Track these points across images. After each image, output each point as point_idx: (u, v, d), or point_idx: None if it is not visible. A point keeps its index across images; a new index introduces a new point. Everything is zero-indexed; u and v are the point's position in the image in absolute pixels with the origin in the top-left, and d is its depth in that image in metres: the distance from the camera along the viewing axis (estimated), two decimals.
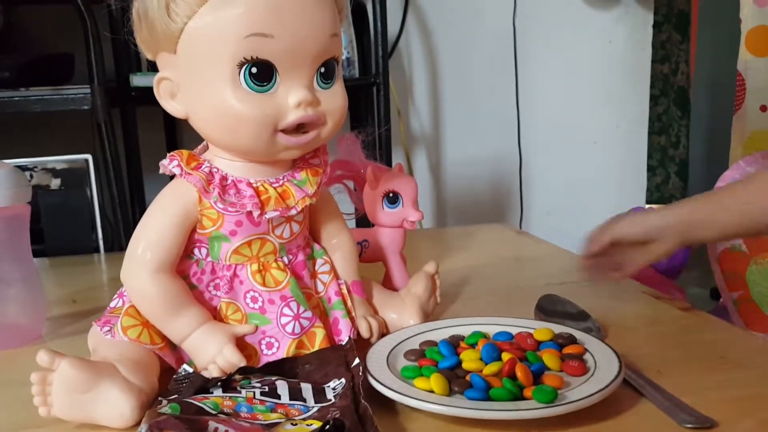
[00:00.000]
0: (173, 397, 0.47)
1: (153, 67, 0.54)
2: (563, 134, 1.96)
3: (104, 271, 0.97)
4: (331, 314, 0.58)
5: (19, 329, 0.66)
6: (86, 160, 1.10)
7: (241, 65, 0.49)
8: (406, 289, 0.65)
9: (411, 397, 0.47)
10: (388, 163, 1.43)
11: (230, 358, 0.51)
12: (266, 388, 0.48)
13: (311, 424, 0.43)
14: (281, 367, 0.53)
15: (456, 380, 0.49)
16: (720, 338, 0.62)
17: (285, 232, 0.56)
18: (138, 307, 0.53)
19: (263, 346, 0.54)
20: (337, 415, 0.44)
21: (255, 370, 0.52)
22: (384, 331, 0.61)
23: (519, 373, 0.48)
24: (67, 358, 0.46)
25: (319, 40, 0.51)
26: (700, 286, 1.78)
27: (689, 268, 1.70)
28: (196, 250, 0.55)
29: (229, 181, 0.53)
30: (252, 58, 0.49)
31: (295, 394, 0.48)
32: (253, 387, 0.48)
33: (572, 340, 0.55)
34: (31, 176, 1.10)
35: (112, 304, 0.57)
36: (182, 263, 0.55)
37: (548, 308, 0.66)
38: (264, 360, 0.54)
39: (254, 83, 0.49)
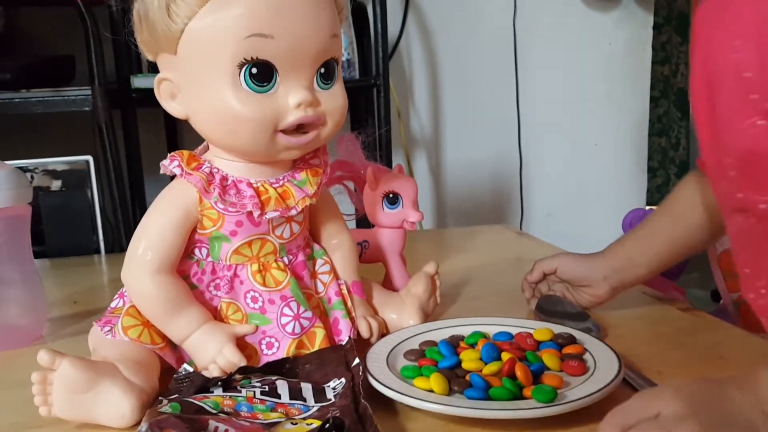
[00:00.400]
0: (174, 396, 0.47)
1: (153, 69, 0.54)
2: (563, 136, 1.96)
3: (105, 272, 0.97)
4: (331, 314, 0.59)
5: (20, 330, 0.67)
6: (87, 162, 1.11)
7: (241, 66, 0.49)
8: (406, 290, 0.65)
9: (411, 397, 0.47)
10: (388, 165, 1.43)
11: (230, 358, 0.52)
12: (266, 388, 0.48)
13: (311, 424, 0.43)
14: (281, 367, 0.53)
15: (456, 380, 0.49)
16: (719, 339, 0.62)
17: (285, 232, 0.56)
18: (139, 307, 0.53)
19: (263, 346, 0.54)
20: (337, 414, 0.44)
21: (255, 369, 0.52)
22: (384, 332, 0.61)
23: (519, 373, 0.49)
24: (68, 358, 0.46)
25: (319, 41, 0.51)
26: (700, 288, 1.78)
27: (690, 269, 1.70)
28: (196, 251, 0.55)
29: (229, 182, 0.53)
30: (252, 58, 0.49)
31: (295, 394, 0.48)
32: (254, 386, 0.48)
33: (572, 340, 0.55)
34: (32, 178, 1.10)
35: (112, 305, 0.58)
36: (183, 263, 0.55)
37: (548, 308, 0.67)
38: (264, 360, 0.54)
39: (254, 84, 0.50)
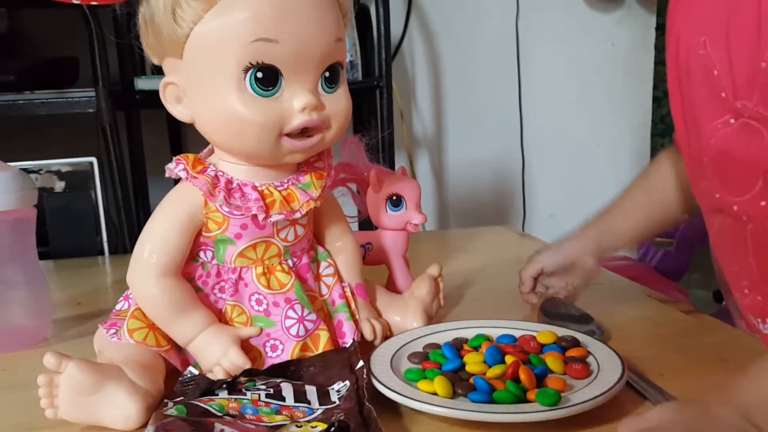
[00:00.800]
0: (179, 399, 0.47)
1: (157, 71, 0.55)
2: (566, 137, 1.96)
3: (109, 274, 0.97)
4: (335, 317, 0.59)
5: (25, 331, 0.67)
6: (91, 163, 1.11)
7: (246, 70, 0.49)
8: (409, 292, 0.65)
9: (415, 400, 0.47)
10: (391, 166, 1.43)
11: (235, 361, 0.52)
12: (271, 390, 0.48)
13: (316, 426, 0.44)
14: (286, 370, 0.53)
15: (459, 383, 0.49)
16: (722, 341, 0.62)
17: (289, 235, 0.56)
18: (144, 309, 0.54)
19: (268, 349, 0.54)
20: (341, 418, 0.44)
21: (260, 372, 0.52)
22: (387, 334, 0.61)
23: (522, 376, 0.49)
24: (74, 361, 0.46)
25: (323, 45, 0.51)
26: (703, 288, 1.78)
27: (692, 270, 1.70)
28: (201, 253, 0.56)
29: (234, 185, 0.54)
30: (257, 62, 0.49)
31: (300, 397, 0.48)
32: (258, 389, 0.49)
33: (575, 342, 0.55)
34: (36, 179, 1.10)
35: (117, 307, 0.58)
36: (188, 266, 0.55)
37: (551, 311, 0.67)
38: (269, 362, 0.54)
39: (259, 88, 0.50)
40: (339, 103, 0.54)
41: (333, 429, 0.41)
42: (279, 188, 0.55)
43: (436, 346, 0.56)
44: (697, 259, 1.64)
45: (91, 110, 1.24)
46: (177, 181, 0.55)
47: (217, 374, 0.51)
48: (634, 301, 0.74)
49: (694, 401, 0.44)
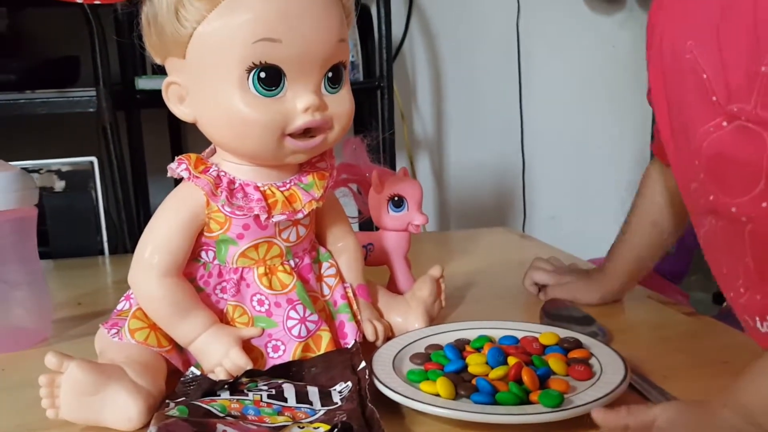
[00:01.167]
0: (181, 399, 0.47)
1: (158, 70, 0.55)
2: (567, 138, 1.96)
3: (109, 274, 0.97)
4: (337, 317, 0.59)
5: (26, 331, 0.67)
6: (91, 163, 1.11)
7: (249, 70, 0.49)
8: (411, 293, 0.65)
9: (417, 401, 0.47)
10: (392, 167, 1.43)
11: (237, 361, 0.52)
12: (273, 391, 0.48)
13: (318, 427, 0.43)
14: (287, 370, 0.53)
15: (462, 384, 0.49)
16: (724, 343, 0.62)
17: (291, 235, 0.56)
18: (145, 309, 0.54)
19: (270, 349, 0.54)
20: (344, 419, 0.44)
21: (262, 373, 0.52)
22: (389, 335, 0.61)
23: (525, 377, 0.49)
24: (76, 361, 0.46)
25: (327, 46, 0.51)
26: (703, 290, 1.78)
27: (692, 273, 1.70)
28: (203, 253, 0.55)
29: (236, 185, 0.54)
30: (260, 63, 0.49)
31: (302, 397, 0.48)
32: (260, 390, 0.48)
33: (578, 344, 0.55)
34: (36, 179, 1.10)
35: (118, 307, 0.58)
36: (189, 266, 0.55)
37: (553, 312, 0.67)
38: (270, 363, 0.54)
39: (262, 88, 0.50)
40: (342, 103, 0.54)
41: (336, 430, 0.41)
42: (281, 188, 0.55)
43: (438, 347, 0.56)
44: (697, 261, 1.64)
45: (91, 110, 1.23)
46: (178, 181, 0.55)
47: (219, 375, 0.51)
48: (636, 303, 0.74)
49: (697, 402, 0.44)
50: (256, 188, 0.54)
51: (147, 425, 0.46)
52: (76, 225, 1.08)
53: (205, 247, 0.55)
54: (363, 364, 0.52)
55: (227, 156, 0.55)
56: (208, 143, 0.57)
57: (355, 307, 0.60)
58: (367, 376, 0.50)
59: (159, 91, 0.53)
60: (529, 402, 0.47)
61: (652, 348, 0.61)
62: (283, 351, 0.54)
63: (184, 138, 1.64)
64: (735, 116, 0.51)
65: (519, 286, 0.77)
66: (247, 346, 0.54)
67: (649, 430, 0.42)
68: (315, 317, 0.55)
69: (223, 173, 0.54)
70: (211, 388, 0.49)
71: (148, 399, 0.47)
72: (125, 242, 1.23)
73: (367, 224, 0.74)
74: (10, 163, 0.65)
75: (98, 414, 0.47)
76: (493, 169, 1.93)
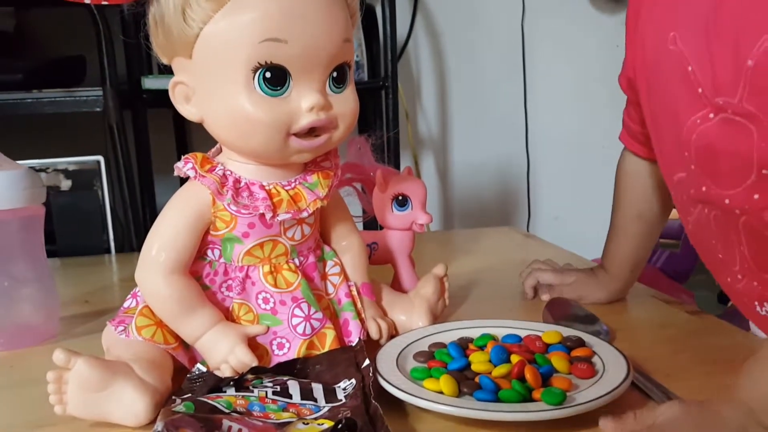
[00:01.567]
0: (187, 395, 0.47)
1: (164, 70, 0.55)
2: (571, 138, 1.96)
3: (115, 272, 0.98)
4: (342, 315, 0.59)
5: (33, 329, 0.67)
6: (98, 162, 1.11)
7: (255, 70, 0.50)
8: (414, 291, 0.65)
9: (421, 398, 0.47)
10: (396, 167, 1.43)
11: (242, 358, 0.52)
12: (278, 388, 0.49)
13: (322, 424, 0.44)
14: (292, 368, 0.53)
15: (465, 382, 0.50)
16: (728, 342, 0.62)
17: (296, 234, 0.57)
18: (152, 307, 0.54)
19: (274, 347, 0.55)
20: (348, 415, 0.44)
21: (267, 370, 0.52)
22: (393, 333, 0.61)
23: (528, 375, 0.49)
24: (83, 357, 0.47)
25: (332, 46, 0.51)
26: (707, 290, 1.78)
27: (697, 272, 1.70)
28: (209, 252, 0.56)
29: (242, 184, 0.54)
30: (266, 62, 0.49)
31: (307, 394, 0.49)
32: (265, 386, 0.49)
33: (581, 342, 0.55)
34: (43, 177, 1.11)
35: (125, 305, 0.58)
36: (195, 264, 0.55)
37: (556, 311, 0.67)
38: (275, 360, 0.54)
39: (268, 87, 0.50)
40: (346, 103, 0.54)
41: (341, 426, 0.41)
42: (286, 187, 0.55)
43: (442, 345, 0.56)
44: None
45: (98, 109, 1.24)
46: (184, 180, 0.55)
47: (225, 372, 0.52)
48: (639, 302, 0.74)
49: (700, 402, 0.44)
50: (262, 187, 0.54)
51: (153, 421, 0.46)
52: (83, 224, 1.09)
53: (211, 246, 0.56)
54: (367, 361, 0.52)
55: (233, 155, 0.55)
56: (214, 143, 0.57)
57: (359, 305, 0.60)
58: (371, 374, 0.50)
59: (165, 91, 0.54)
60: (531, 400, 0.48)
61: (656, 346, 0.62)
62: (288, 348, 0.55)
63: (189, 137, 1.65)
64: (721, 109, 0.52)
65: (522, 285, 0.77)
66: (252, 343, 0.54)
67: (651, 429, 0.42)
68: (319, 315, 0.56)
69: (228, 172, 0.54)
70: (217, 384, 0.49)
71: (154, 395, 0.48)
72: (131, 241, 1.24)
73: (371, 223, 0.74)
74: (18, 162, 0.66)
75: (105, 410, 0.47)
76: (497, 169, 1.93)
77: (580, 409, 0.46)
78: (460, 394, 0.49)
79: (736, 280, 0.58)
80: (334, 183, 0.58)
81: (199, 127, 0.55)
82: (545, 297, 0.73)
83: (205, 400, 0.46)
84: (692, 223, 0.60)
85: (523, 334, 0.58)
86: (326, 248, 0.61)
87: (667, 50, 0.55)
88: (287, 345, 0.55)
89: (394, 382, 0.50)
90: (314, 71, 0.51)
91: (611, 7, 1.94)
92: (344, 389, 0.50)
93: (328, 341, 0.55)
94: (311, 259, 0.58)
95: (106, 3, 0.53)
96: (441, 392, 0.49)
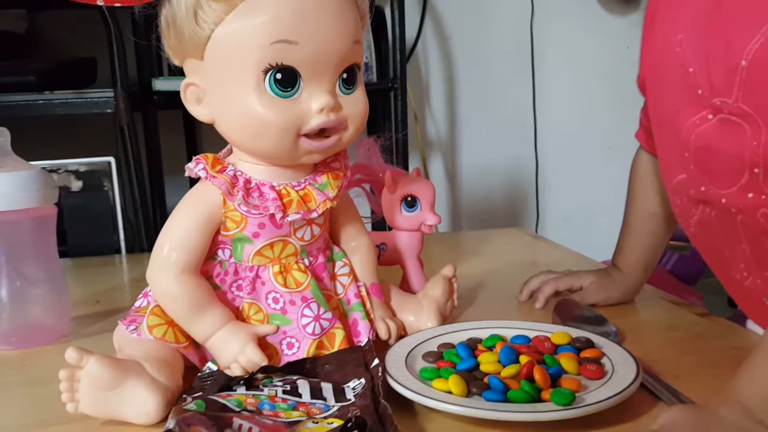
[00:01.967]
0: (198, 394, 0.48)
1: (175, 72, 0.55)
2: (580, 139, 1.95)
3: (126, 272, 0.98)
4: (351, 316, 0.59)
5: (45, 328, 0.68)
6: (109, 163, 1.12)
7: (266, 71, 0.50)
8: (423, 292, 0.65)
9: (430, 398, 0.48)
10: (405, 168, 1.44)
11: (252, 357, 0.52)
12: (288, 387, 0.49)
13: (332, 423, 0.44)
14: (302, 367, 0.54)
15: (474, 382, 0.50)
16: (737, 344, 0.62)
17: (306, 234, 0.57)
18: (163, 306, 0.54)
19: (284, 346, 0.55)
20: (357, 414, 0.44)
21: (276, 369, 0.53)
22: (402, 333, 0.62)
23: (537, 376, 0.49)
24: (95, 356, 0.47)
25: (342, 47, 0.52)
26: (717, 293, 1.77)
27: (707, 275, 1.69)
28: (219, 252, 0.56)
29: (252, 185, 0.54)
30: (277, 64, 0.50)
31: (316, 393, 0.49)
32: (275, 385, 0.49)
33: (590, 344, 0.55)
34: (55, 178, 1.12)
35: (137, 304, 0.59)
36: (206, 264, 0.56)
37: (565, 312, 0.67)
38: (285, 360, 0.55)
39: (279, 89, 0.51)
40: (356, 104, 0.54)
41: (350, 425, 0.42)
42: (296, 188, 0.56)
43: (451, 345, 0.56)
44: None
45: (109, 110, 1.25)
46: (194, 181, 0.56)
47: (235, 370, 0.52)
48: (648, 304, 0.74)
49: (698, 405, 0.45)
50: (272, 188, 0.55)
51: (164, 419, 0.46)
52: (94, 224, 1.10)
53: (221, 246, 0.56)
54: (376, 361, 0.53)
55: (243, 156, 0.55)
56: (224, 144, 0.58)
57: (368, 305, 0.60)
58: (380, 374, 0.51)
59: (176, 92, 0.54)
60: (540, 400, 0.48)
61: (665, 348, 0.62)
62: (298, 348, 0.55)
63: (199, 139, 1.66)
64: (719, 109, 0.53)
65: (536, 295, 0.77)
66: (262, 342, 0.54)
67: None
68: (329, 315, 0.56)
69: (239, 173, 0.55)
70: (228, 383, 0.50)
71: (165, 394, 0.48)
72: (142, 241, 1.25)
73: (380, 224, 0.74)
74: (30, 162, 0.67)
75: (117, 408, 0.48)
76: (506, 171, 1.93)
77: (589, 409, 0.46)
78: (469, 394, 0.49)
79: (743, 277, 0.59)
80: (344, 184, 0.58)
81: (209, 128, 0.55)
82: (539, 305, 0.72)
83: (216, 398, 0.46)
84: (695, 225, 0.61)
85: (531, 335, 0.58)
86: (335, 249, 0.61)
87: (673, 52, 0.56)
88: (297, 345, 0.55)
89: (403, 381, 0.50)
90: (324, 73, 0.52)
91: (621, 8, 1.93)
92: (353, 389, 0.50)
93: (338, 341, 0.56)
94: (321, 259, 0.59)
95: (118, 5, 0.54)
96: (450, 392, 0.49)
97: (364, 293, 0.61)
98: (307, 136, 0.52)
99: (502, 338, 0.57)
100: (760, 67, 0.48)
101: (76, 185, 1.14)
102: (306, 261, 0.58)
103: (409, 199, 0.70)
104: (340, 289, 0.60)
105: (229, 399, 0.46)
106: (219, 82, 0.52)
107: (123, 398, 0.47)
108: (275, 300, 0.56)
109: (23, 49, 1.49)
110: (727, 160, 0.53)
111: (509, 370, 0.50)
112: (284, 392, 0.48)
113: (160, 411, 0.47)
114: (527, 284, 0.75)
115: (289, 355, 0.55)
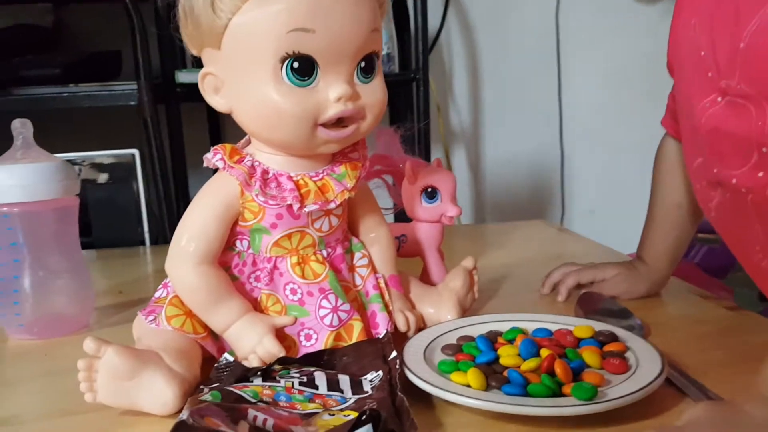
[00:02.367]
0: (214, 385, 0.48)
1: (197, 64, 0.55)
2: (606, 130, 1.92)
3: (149, 263, 0.99)
4: (369, 307, 0.59)
5: (68, 318, 0.69)
6: (133, 155, 1.13)
7: (283, 60, 0.49)
8: (443, 284, 0.65)
9: (448, 391, 0.47)
10: (427, 159, 1.43)
11: (270, 349, 0.52)
12: (305, 379, 0.49)
13: (348, 415, 0.44)
14: (319, 359, 0.53)
15: (493, 375, 0.49)
16: (767, 339, 0.60)
17: (324, 225, 0.57)
18: (181, 297, 0.54)
19: (302, 338, 0.55)
20: (374, 407, 0.44)
21: (294, 360, 0.52)
22: (421, 326, 0.61)
23: (558, 370, 0.48)
24: (113, 346, 0.47)
25: (359, 35, 0.51)
26: (748, 287, 1.73)
27: (737, 268, 1.65)
28: (237, 242, 0.56)
29: (270, 175, 0.54)
30: (294, 53, 0.49)
31: (333, 385, 0.48)
32: (292, 377, 0.49)
33: (613, 337, 0.54)
34: (80, 171, 1.13)
35: (156, 294, 0.59)
36: (224, 255, 0.56)
37: (588, 305, 0.66)
38: (302, 351, 0.54)
39: (296, 78, 0.50)
40: (374, 93, 0.53)
41: (364, 418, 0.41)
42: (314, 178, 0.55)
43: (470, 338, 0.56)
44: None
45: (133, 103, 1.26)
46: (215, 172, 0.56)
47: (252, 362, 0.52)
48: (675, 297, 0.72)
49: (725, 401, 0.44)
50: (290, 178, 0.54)
51: (182, 409, 0.46)
52: (119, 216, 1.11)
53: (239, 237, 0.56)
54: (394, 353, 0.52)
55: (261, 146, 0.55)
56: (246, 136, 0.58)
57: (387, 297, 0.60)
58: (397, 366, 0.50)
59: (198, 85, 0.54)
60: (561, 394, 0.47)
61: (691, 342, 0.60)
62: (316, 339, 0.55)
63: (222, 131, 1.66)
64: (725, 92, 0.53)
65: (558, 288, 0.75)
66: (280, 334, 0.54)
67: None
68: (347, 307, 0.56)
69: (257, 163, 0.54)
70: (244, 374, 0.49)
71: (183, 384, 0.48)
72: (165, 232, 1.25)
73: (401, 215, 0.74)
74: (55, 155, 0.67)
75: (135, 398, 0.48)
76: (530, 162, 1.91)
77: (611, 404, 0.45)
78: (488, 387, 0.48)
79: (759, 259, 0.59)
80: (362, 174, 0.58)
81: (233, 120, 0.55)
82: (561, 298, 0.71)
83: (232, 389, 0.46)
84: (714, 209, 0.61)
85: (554, 328, 0.57)
86: (354, 240, 0.61)
87: (688, 36, 0.57)
88: (315, 336, 0.55)
89: (421, 374, 0.49)
90: (342, 61, 0.51)
91: None
92: (371, 381, 0.50)
93: (356, 333, 0.55)
94: (339, 250, 0.58)
95: None
96: (468, 386, 0.48)
97: (382, 285, 0.60)
98: (324, 125, 0.52)
99: (522, 331, 0.56)
100: (757, 50, 0.49)
101: (102, 177, 1.15)
102: (324, 252, 0.57)
103: (429, 190, 0.69)
104: (358, 281, 0.60)
105: (245, 390, 0.46)
106: (236, 71, 0.51)
107: (141, 388, 0.48)
108: (293, 291, 0.55)
109: (49, 43, 1.50)
110: (736, 141, 0.53)
111: (529, 364, 0.49)
112: (301, 384, 0.48)
113: (177, 401, 0.47)
114: (549, 276, 0.74)
115: (306, 347, 0.55)
